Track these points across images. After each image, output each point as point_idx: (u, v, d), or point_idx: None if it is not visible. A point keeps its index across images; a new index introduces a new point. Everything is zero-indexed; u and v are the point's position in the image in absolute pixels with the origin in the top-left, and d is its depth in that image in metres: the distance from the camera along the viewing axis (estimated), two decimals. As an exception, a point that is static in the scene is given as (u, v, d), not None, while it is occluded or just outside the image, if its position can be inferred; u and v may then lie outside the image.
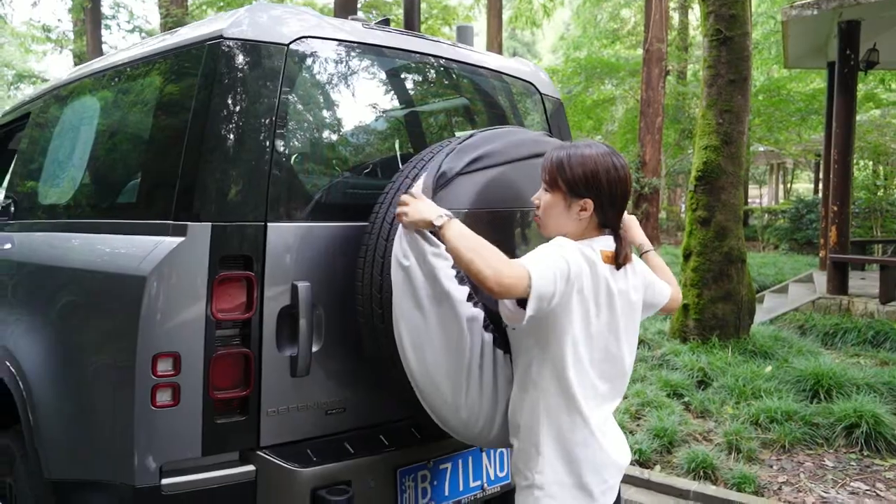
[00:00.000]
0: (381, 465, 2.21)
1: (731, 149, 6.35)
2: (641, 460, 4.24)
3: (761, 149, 21.24)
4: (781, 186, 28.41)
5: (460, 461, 2.43)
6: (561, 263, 1.66)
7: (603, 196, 1.79)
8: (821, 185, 13.95)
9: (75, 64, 22.01)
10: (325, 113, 2.34)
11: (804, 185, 27.23)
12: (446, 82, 2.74)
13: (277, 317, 2.04)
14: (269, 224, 2.02)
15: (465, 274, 1.73)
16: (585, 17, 22.84)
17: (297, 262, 2.08)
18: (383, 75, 2.51)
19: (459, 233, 1.69)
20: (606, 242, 1.81)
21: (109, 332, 2.00)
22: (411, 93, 2.69)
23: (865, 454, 4.32)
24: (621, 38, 21.96)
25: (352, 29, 2.36)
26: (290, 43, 2.12)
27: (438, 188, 2.00)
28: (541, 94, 2.90)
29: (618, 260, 1.80)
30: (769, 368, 5.61)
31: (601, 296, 1.76)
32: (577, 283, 1.69)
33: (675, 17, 21.00)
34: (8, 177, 3.47)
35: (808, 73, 15.81)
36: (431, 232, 1.77)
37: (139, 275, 1.91)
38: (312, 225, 2.13)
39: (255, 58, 2.06)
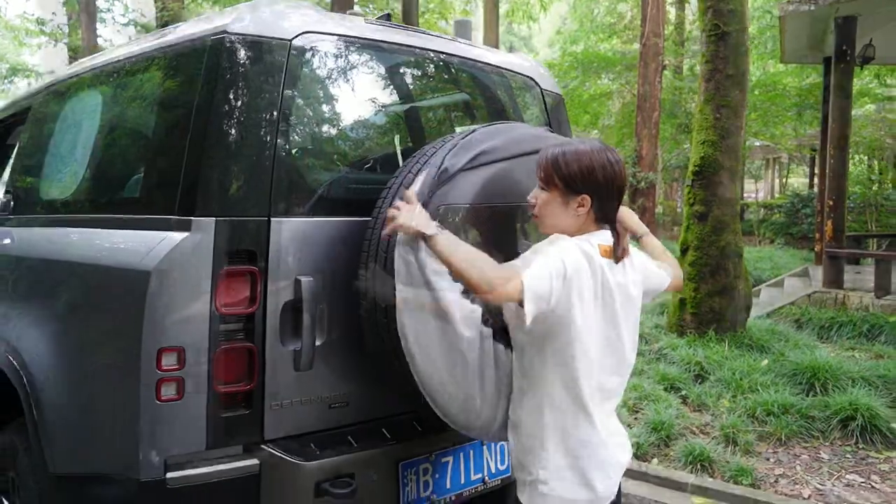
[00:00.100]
0: (383, 458, 2.23)
1: (728, 143, 6.37)
2: (639, 453, 4.27)
3: (757, 143, 21.27)
4: (777, 181, 28.45)
5: (462, 454, 2.45)
6: (556, 262, 1.68)
7: (599, 191, 1.81)
8: (816, 180, 13.98)
9: (70, 58, 21.89)
10: (328, 108, 2.35)
11: (799, 180, 27.27)
12: (447, 78, 2.75)
13: (281, 311, 2.05)
14: (272, 219, 2.03)
15: (457, 279, 1.76)
16: (582, 11, 22.81)
17: (301, 257, 2.09)
18: (385, 71, 2.52)
19: (449, 243, 1.74)
20: (604, 237, 1.83)
21: (114, 326, 2.01)
22: (412, 88, 2.70)
23: (861, 447, 4.36)
24: (618, 32, 21.91)
25: (353, 24, 2.37)
26: (293, 38, 2.13)
27: (440, 184, 2.02)
28: (541, 88, 2.91)
29: (616, 254, 1.82)
30: (765, 362, 5.65)
31: (600, 291, 1.77)
32: (575, 280, 1.71)
33: (672, 12, 20.97)
34: (8, 171, 3.46)
35: (804, 68, 15.81)
36: (426, 239, 1.80)
37: (144, 269, 1.91)
38: (316, 220, 2.14)
39: (258, 53, 2.06)
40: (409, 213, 1.82)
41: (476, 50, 2.77)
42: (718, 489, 3.91)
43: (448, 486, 2.41)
